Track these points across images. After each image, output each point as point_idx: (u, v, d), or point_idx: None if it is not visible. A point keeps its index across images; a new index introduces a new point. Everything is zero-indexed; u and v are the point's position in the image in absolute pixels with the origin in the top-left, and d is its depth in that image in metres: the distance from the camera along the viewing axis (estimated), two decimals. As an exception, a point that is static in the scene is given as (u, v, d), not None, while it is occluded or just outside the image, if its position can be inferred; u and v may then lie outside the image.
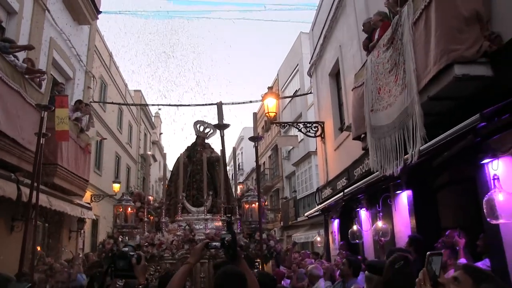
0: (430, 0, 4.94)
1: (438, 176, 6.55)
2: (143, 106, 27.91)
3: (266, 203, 27.16)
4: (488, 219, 4.21)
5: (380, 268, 3.24)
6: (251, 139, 5.44)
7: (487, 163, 4.63)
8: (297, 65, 24.21)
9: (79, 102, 11.74)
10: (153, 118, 33.85)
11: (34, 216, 5.19)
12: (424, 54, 5.13)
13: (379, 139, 6.36)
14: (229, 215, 3.64)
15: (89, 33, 14.61)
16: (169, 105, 15.99)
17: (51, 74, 11.06)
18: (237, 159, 42.71)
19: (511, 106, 4.07)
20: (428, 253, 2.25)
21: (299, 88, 23.53)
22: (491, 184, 4.36)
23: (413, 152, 5.17)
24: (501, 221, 4.08)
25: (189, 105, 13.82)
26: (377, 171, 6.57)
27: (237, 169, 40.49)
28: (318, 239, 14.39)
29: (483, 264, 4.80)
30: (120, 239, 6.54)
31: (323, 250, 12.93)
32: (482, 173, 4.74)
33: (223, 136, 4.35)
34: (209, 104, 15.17)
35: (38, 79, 9.08)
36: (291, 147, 23.53)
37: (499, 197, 4.11)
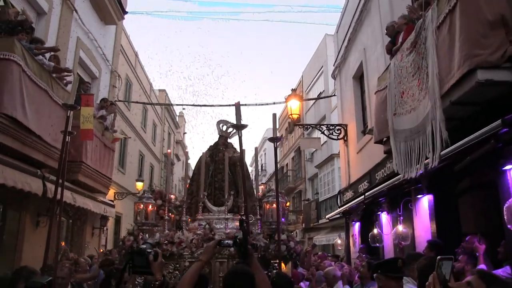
0: (455, 4, 4.92)
1: (459, 181, 6.49)
2: (169, 106, 28.28)
3: (288, 204, 27.20)
4: (508, 226, 4.18)
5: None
6: (270, 139, 5.45)
7: (509, 169, 4.60)
8: (322, 67, 24.17)
9: (104, 100, 11.96)
10: (177, 117, 34.15)
11: (59, 212, 5.33)
12: (447, 58, 5.11)
13: (402, 142, 6.35)
14: (242, 214, 3.72)
15: (115, 33, 14.86)
16: (193, 105, 16.27)
17: (78, 73, 11.34)
18: (260, 160, 42.86)
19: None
20: (438, 257, 2.28)
21: (323, 90, 23.50)
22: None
23: (434, 157, 5.16)
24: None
25: (212, 106, 14.08)
26: (399, 175, 6.56)
27: (259, 170, 40.64)
28: (339, 241, 14.36)
29: (504, 271, 4.74)
30: (140, 236, 6.55)
31: (344, 253, 12.90)
32: (504, 179, 4.71)
33: (241, 136, 4.44)
34: (231, 105, 15.26)
35: (64, 79, 9.31)
36: (314, 149, 23.50)
37: (520, 203, 4.08)
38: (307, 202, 26.20)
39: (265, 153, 40.69)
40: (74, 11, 11.06)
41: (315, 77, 25.78)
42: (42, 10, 9.62)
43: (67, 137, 4.97)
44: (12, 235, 8.46)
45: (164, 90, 29.47)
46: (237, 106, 4.58)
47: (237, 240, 2.99)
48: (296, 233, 27.27)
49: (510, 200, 4.22)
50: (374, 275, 3.86)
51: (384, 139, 7.33)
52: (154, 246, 3.12)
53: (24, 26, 7.97)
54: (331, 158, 21.29)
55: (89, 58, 12.43)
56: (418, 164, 5.66)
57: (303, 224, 26.56)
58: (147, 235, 6.55)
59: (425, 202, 7.04)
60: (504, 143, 4.30)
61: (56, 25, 10.16)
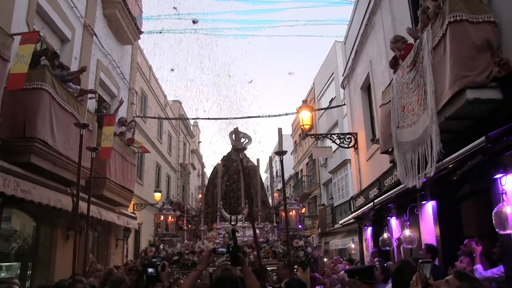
0: (446, 29, 5.42)
1: (460, 188, 6.93)
2: (183, 117, 28.91)
3: (303, 211, 27.52)
4: (497, 230, 4.65)
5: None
6: (277, 153, 5.50)
7: (499, 178, 5.06)
8: (332, 73, 24.53)
9: (123, 118, 12.70)
10: (191, 127, 34.74)
11: (86, 225, 5.84)
12: (442, 77, 5.58)
13: (404, 154, 6.82)
14: (234, 223, 4.17)
15: (131, 52, 15.56)
16: (208, 118, 16.71)
17: (98, 93, 12.02)
18: (274, 167, 43.26)
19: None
20: (420, 260, 2.80)
21: (335, 97, 23.86)
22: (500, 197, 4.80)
23: (431, 168, 5.64)
24: (508, 231, 4.52)
25: (227, 118, 14.50)
26: (403, 184, 7.04)
27: (274, 177, 41.11)
28: (352, 246, 14.79)
29: (498, 270, 5.20)
30: (161, 247, 6.78)
31: (359, 257, 13.33)
32: (495, 187, 5.16)
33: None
34: (247, 117, 15.82)
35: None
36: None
37: (506, 210, 4.55)
38: (322, 207, 26.55)
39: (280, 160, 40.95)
40: (94, 36, 11.74)
41: (326, 83, 26.17)
42: (66, 37, 10.29)
43: (92, 153, 5.38)
44: (45, 248, 9.11)
45: (178, 101, 30.07)
46: (280, 132, 5.03)
47: (230, 248, 3.40)
48: (313, 238, 27.63)
49: (498, 206, 4.68)
50: (350, 279, 4.17)
51: (390, 149, 7.80)
52: (163, 259, 3.68)
53: (47, 55, 8.61)
54: (344, 163, 21.66)
55: (109, 78, 13.08)
56: (419, 174, 6.13)
57: (319, 229, 26.90)
58: (167, 246, 6.81)
59: (429, 207, 7.48)
60: (489, 157, 4.77)
61: (78, 50, 10.81)
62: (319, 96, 27.63)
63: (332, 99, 24.31)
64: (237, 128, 5.20)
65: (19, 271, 8.51)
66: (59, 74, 8.20)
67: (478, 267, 5.33)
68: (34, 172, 7.65)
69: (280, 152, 5.31)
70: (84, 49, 11.15)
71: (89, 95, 10.09)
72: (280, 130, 5.26)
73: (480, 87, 5.00)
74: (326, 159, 25.70)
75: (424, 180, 6.27)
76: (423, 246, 7.82)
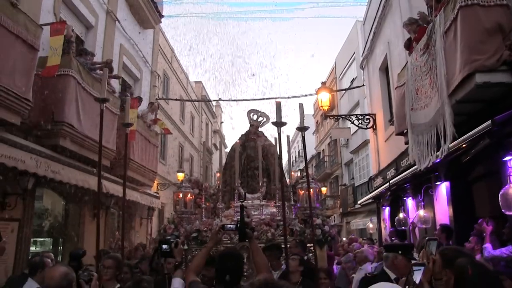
0: (457, 13, 5.49)
1: (473, 170, 7.04)
2: (205, 97, 29.15)
3: (325, 191, 27.65)
4: (503, 210, 4.81)
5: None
6: (298, 129, 5.27)
7: (508, 160, 5.19)
8: (354, 53, 24.28)
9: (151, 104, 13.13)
10: (214, 107, 34.91)
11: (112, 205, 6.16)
12: (453, 61, 5.68)
13: (418, 135, 6.96)
14: (242, 200, 4.32)
15: (153, 36, 15.81)
16: (229, 100, 16.92)
17: (122, 77, 12.39)
18: (296, 146, 43.51)
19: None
20: (426, 238, 3.00)
21: (356, 77, 23.69)
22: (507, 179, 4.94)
23: (443, 149, 5.78)
24: (513, 212, 4.69)
25: (247, 100, 14.73)
26: (416, 165, 7.19)
27: (296, 156, 41.34)
28: (371, 225, 14.99)
29: (507, 249, 5.33)
30: (180, 224, 6.93)
31: (377, 237, 13.52)
32: (503, 168, 5.30)
33: (280, 133, 4.74)
34: (267, 98, 15.97)
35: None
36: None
37: (512, 191, 4.71)
38: (343, 187, 26.65)
39: (302, 136, 41.01)
40: (116, 21, 12.04)
41: (347, 63, 26.00)
42: (90, 24, 10.61)
43: (127, 129, 5.17)
44: (74, 225, 9.62)
45: (200, 82, 30.15)
46: (278, 105, 4.70)
47: (238, 224, 3.56)
48: (334, 217, 27.83)
49: (504, 187, 4.83)
50: (391, 253, 4.24)
51: (404, 130, 7.93)
52: (177, 237, 3.94)
53: (69, 42, 8.89)
54: (365, 143, 21.62)
55: (131, 62, 13.40)
56: (431, 155, 6.28)
57: (341, 209, 27.06)
58: (185, 223, 6.95)
59: (443, 188, 7.63)
60: (497, 140, 4.90)
61: (102, 36, 11.13)
62: (341, 76, 27.47)
63: (353, 79, 24.17)
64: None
65: (51, 246, 9.08)
66: (83, 61, 8.53)
67: (487, 246, 5.48)
68: (63, 154, 8.07)
69: (302, 128, 5.10)
70: (107, 35, 11.46)
71: (111, 81, 10.46)
72: (301, 105, 5.14)
73: (490, 71, 5.12)
74: (347, 139, 25.70)
75: (438, 161, 6.40)
76: (437, 226, 8.00)
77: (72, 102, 8.00)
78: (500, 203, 4.84)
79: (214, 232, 3.68)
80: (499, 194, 4.85)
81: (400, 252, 4.09)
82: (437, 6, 6.28)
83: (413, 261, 3.03)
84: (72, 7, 9.86)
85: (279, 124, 4.80)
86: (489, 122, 4.72)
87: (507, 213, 4.79)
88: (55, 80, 7.67)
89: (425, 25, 7.16)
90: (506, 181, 5.05)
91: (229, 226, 3.68)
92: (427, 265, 2.72)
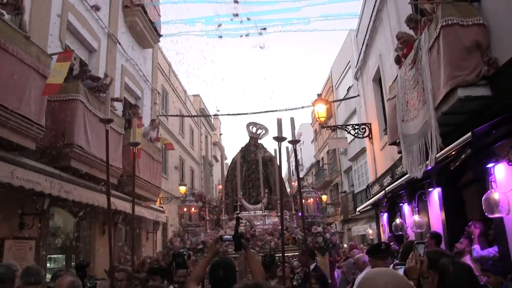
0: (439, 32, 5.94)
1: (462, 176, 7.45)
2: (203, 111, 29.53)
3: (325, 199, 27.91)
4: (486, 214, 5.22)
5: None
6: (290, 142, 5.07)
7: (491, 167, 5.61)
8: (349, 62, 24.65)
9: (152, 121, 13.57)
10: (212, 120, 35.20)
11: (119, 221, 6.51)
12: (437, 76, 6.10)
13: (409, 145, 7.37)
14: (238, 212, 4.74)
15: (152, 54, 16.30)
16: (228, 114, 17.36)
17: (124, 97, 12.85)
18: (294, 157, 43.64)
19: (503, 122, 5.07)
20: (415, 242, 3.39)
21: (352, 85, 24.01)
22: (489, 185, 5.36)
23: (430, 159, 6.20)
24: (496, 215, 5.09)
25: (245, 114, 15.16)
26: (409, 174, 7.60)
27: (295, 166, 41.52)
28: (370, 231, 15.37)
29: (493, 249, 5.77)
30: (186, 237, 7.22)
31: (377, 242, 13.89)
32: (487, 175, 5.72)
33: (280, 147, 4.85)
34: (265, 112, 16.43)
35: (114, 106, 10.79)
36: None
37: (494, 196, 5.12)
38: (343, 194, 26.93)
39: (300, 148, 41.46)
40: (117, 43, 12.51)
41: (343, 72, 26.35)
42: (92, 48, 11.08)
43: (135, 148, 5.65)
44: (85, 242, 10.01)
45: (198, 95, 30.46)
46: (279, 121, 4.80)
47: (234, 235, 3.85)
48: (335, 225, 28.08)
49: (487, 193, 5.25)
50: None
51: (397, 141, 8.33)
52: (189, 250, 4.42)
53: (73, 67, 9.29)
54: (363, 151, 21.88)
55: (133, 81, 13.85)
56: (421, 165, 6.68)
57: (342, 216, 27.33)
58: (191, 235, 7.26)
59: (435, 194, 8.03)
60: (477, 150, 5.32)
61: (104, 58, 11.61)
62: (337, 85, 27.84)
63: (349, 88, 24.54)
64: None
65: (64, 263, 9.46)
66: (89, 84, 8.98)
67: (476, 247, 5.90)
68: (73, 174, 8.48)
69: (294, 141, 5.03)
70: (109, 57, 11.93)
71: (115, 102, 10.91)
72: (292, 119, 5.42)
73: (470, 85, 5.53)
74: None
75: (429, 168, 6.80)
76: (431, 230, 8.39)
77: (81, 125, 8.42)
78: (483, 207, 5.24)
79: (213, 243, 3.91)
80: (482, 199, 5.26)
81: (369, 255, 4.69)
82: (416, 27, 6.75)
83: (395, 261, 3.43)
84: (76, 34, 10.33)
85: (279, 139, 5.12)
86: (469, 134, 5.14)
87: (490, 216, 5.20)
88: (64, 105, 8.12)
89: (411, 41, 7.62)
90: (489, 187, 5.46)
91: (226, 237, 3.96)
92: (407, 265, 3.12)
